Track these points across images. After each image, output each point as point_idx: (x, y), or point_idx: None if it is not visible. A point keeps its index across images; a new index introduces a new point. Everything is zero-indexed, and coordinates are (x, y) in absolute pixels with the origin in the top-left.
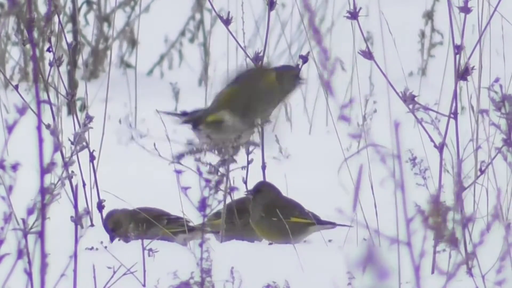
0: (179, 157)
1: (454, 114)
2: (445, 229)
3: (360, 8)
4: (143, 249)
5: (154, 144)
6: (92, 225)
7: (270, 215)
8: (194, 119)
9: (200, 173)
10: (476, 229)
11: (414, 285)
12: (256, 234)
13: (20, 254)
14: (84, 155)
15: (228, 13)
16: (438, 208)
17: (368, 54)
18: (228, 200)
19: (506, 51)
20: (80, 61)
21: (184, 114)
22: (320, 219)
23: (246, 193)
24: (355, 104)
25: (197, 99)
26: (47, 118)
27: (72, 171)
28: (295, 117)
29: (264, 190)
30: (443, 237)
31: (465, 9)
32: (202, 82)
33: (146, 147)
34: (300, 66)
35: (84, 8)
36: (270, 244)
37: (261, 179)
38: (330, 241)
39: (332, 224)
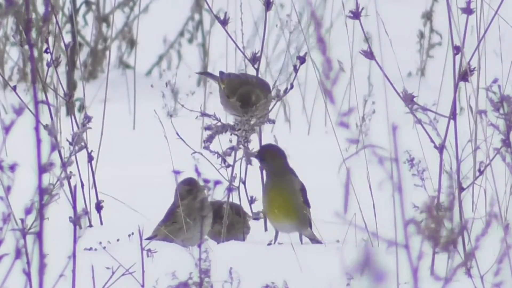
0: (208, 139)
1: (453, 115)
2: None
3: (363, 8)
4: (142, 249)
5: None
6: (90, 225)
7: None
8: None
9: (198, 173)
10: (475, 229)
11: (412, 286)
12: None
13: (18, 254)
14: (82, 156)
15: (225, 13)
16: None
17: (369, 54)
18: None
19: (504, 52)
20: (78, 62)
21: (221, 74)
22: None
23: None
24: (353, 104)
25: (196, 100)
26: (45, 118)
27: (71, 172)
28: (293, 117)
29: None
30: (439, 244)
31: (468, 10)
32: (201, 83)
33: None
34: (297, 67)
35: (83, 9)
36: (268, 244)
37: (260, 179)
38: (328, 241)
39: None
